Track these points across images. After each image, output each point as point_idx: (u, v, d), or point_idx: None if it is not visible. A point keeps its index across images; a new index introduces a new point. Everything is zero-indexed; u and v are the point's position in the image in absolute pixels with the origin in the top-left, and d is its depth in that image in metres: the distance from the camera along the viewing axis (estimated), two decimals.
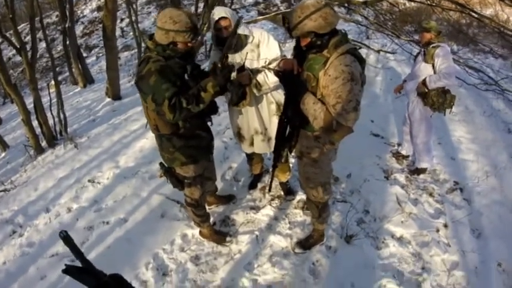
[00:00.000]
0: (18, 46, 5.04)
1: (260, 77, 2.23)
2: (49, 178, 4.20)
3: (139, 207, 3.14)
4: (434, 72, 2.99)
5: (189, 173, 2.22)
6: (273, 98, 2.39)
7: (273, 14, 7.92)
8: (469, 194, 3.27)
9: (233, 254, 2.52)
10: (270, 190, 2.34)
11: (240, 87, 2.15)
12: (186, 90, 1.84)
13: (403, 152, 3.66)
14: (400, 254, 2.55)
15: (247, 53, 2.16)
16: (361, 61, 1.75)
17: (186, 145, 2.10)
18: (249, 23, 9.16)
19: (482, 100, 5.82)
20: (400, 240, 2.68)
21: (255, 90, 2.26)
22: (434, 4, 6.12)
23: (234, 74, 1.98)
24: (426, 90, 3.03)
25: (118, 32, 12.62)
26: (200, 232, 2.65)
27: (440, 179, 3.47)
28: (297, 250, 2.49)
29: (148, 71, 1.80)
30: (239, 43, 2.18)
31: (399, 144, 3.77)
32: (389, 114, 4.68)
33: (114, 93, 6.62)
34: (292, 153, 2.15)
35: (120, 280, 0.87)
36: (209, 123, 2.29)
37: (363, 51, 7.29)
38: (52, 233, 3.19)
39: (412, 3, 8.21)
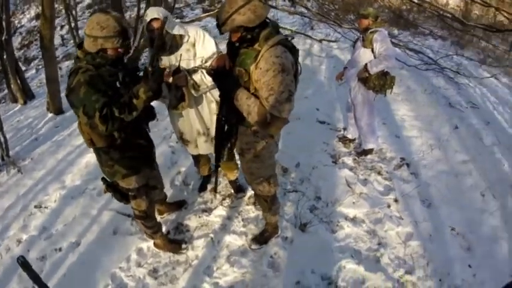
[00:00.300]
0: None
1: (197, 77, 2.21)
2: None
3: (91, 227, 3.01)
4: (374, 57, 3.10)
5: (132, 184, 2.14)
6: (213, 97, 2.37)
7: (216, 11, 7.89)
8: (416, 168, 3.48)
9: (191, 261, 2.50)
10: (215, 190, 2.34)
11: (178, 90, 2.14)
12: (118, 98, 1.77)
13: (349, 136, 3.81)
14: (355, 233, 2.65)
15: (181, 54, 2.13)
16: (293, 51, 1.77)
17: (125, 156, 2.03)
18: (193, 21, 9.04)
19: (423, 79, 6.20)
20: (354, 220, 2.79)
21: (193, 91, 2.23)
22: None
23: (170, 77, 1.94)
24: (367, 75, 3.13)
25: (58, 41, 11.94)
26: (154, 243, 2.59)
27: (387, 157, 3.65)
28: (254, 246, 2.51)
29: (78, 83, 1.72)
30: (174, 44, 2.15)
31: (345, 129, 3.92)
32: (334, 101, 4.85)
33: (56, 108, 6.25)
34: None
35: None
36: (148, 130, 2.24)
37: (308, 42, 7.48)
38: (5, 270, 2.97)
39: None
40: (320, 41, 7.09)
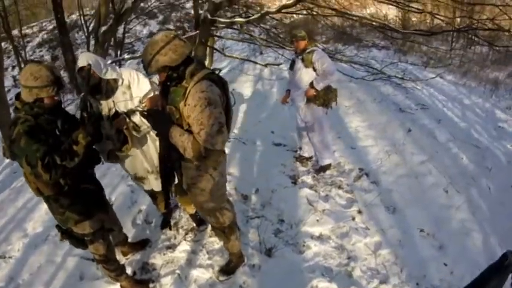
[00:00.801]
0: None
1: (136, 118, 2.24)
2: None
3: (57, 275, 2.92)
4: (317, 75, 3.28)
5: (86, 230, 2.14)
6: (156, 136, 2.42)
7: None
8: (376, 176, 3.57)
9: None
10: (170, 228, 2.34)
11: (120, 133, 2.18)
12: (59, 146, 1.82)
13: (305, 155, 3.93)
14: (323, 251, 2.65)
15: (113, 101, 2.18)
16: (221, 83, 1.86)
17: (75, 202, 2.04)
18: (115, 61, 9.04)
19: (372, 89, 6.52)
20: (320, 238, 2.79)
21: (134, 132, 2.27)
22: (316, 13, 6.76)
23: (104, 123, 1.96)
24: (315, 93, 3.30)
25: (10, 82, 11.58)
26: (121, 286, 2.54)
27: (345, 170, 3.75)
28: (221, 278, 2.49)
29: (18, 134, 1.76)
30: (109, 88, 2.18)
31: (300, 148, 4.03)
32: (288, 121, 4.90)
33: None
34: None
35: None
36: (94, 174, 2.26)
37: (258, 67, 7.74)
38: None
39: (300, 16, 8.95)
40: (266, 65, 7.40)
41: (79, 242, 2.20)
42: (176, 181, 2.25)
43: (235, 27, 7.35)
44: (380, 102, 5.83)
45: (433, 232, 2.79)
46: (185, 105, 1.75)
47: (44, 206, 3.90)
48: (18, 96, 1.88)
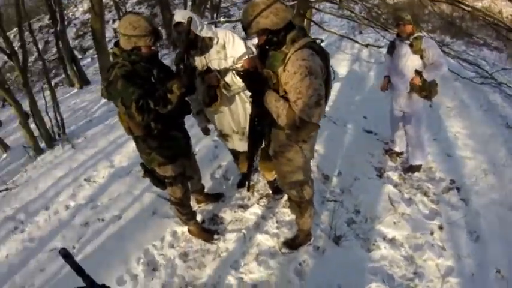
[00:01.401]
0: (8, 52, 5.12)
1: (228, 78, 2.26)
2: (48, 177, 4.30)
3: (132, 205, 3.20)
4: (424, 64, 2.97)
5: (168, 172, 2.25)
6: (246, 98, 2.39)
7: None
8: (467, 194, 3.17)
9: (220, 252, 2.54)
10: (248, 190, 2.33)
11: (210, 89, 2.20)
12: (154, 92, 1.88)
13: (397, 149, 3.62)
14: (391, 256, 2.48)
15: (205, 57, 2.21)
16: (322, 54, 1.74)
17: (162, 146, 2.13)
18: (238, 20, 9.04)
19: (478, 94, 5.72)
20: (392, 242, 2.61)
21: (224, 91, 2.28)
22: None
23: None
24: (420, 83, 2.99)
25: (110, 33, 12.66)
26: (189, 230, 2.68)
27: (435, 177, 3.39)
28: (284, 250, 2.48)
29: (115, 77, 1.85)
30: (204, 45, 2.21)
31: (392, 141, 3.72)
32: (382, 110, 4.52)
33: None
34: None
35: None
36: (184, 124, 2.33)
37: (356, 46, 7.25)
38: (51, 229, 3.30)
39: None
40: (366, 46, 6.85)
41: (160, 182, 2.32)
42: (262, 145, 2.21)
43: (335, 1, 6.91)
44: (486, 112, 5.11)
45: (509, 277, 2.41)
46: (284, 71, 1.68)
47: (132, 144, 4.23)
48: (116, 44, 1.97)
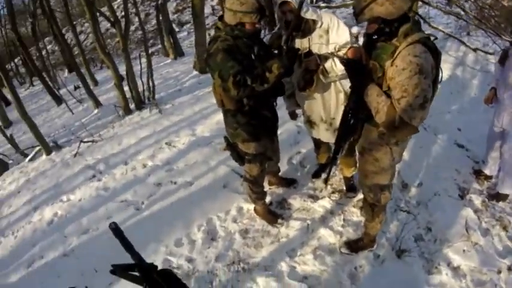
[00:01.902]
0: (112, 20, 5.65)
1: (327, 64, 2.17)
2: (132, 136, 4.74)
3: (206, 175, 3.37)
4: None
5: (250, 150, 2.29)
6: (342, 87, 2.31)
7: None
8: None
9: (280, 237, 2.56)
10: (326, 182, 2.28)
11: (307, 73, 2.15)
12: (252, 69, 1.90)
13: (487, 172, 3.24)
14: (450, 285, 2.27)
15: (310, 38, 2.13)
16: (435, 53, 1.58)
17: (249, 123, 2.17)
18: (339, 7, 8.74)
19: None
20: (456, 271, 2.39)
21: (321, 77, 2.20)
22: None
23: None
24: None
25: (209, 10, 13.25)
26: (255, 209, 2.74)
27: None
28: (344, 250, 2.41)
29: (216, 49, 1.90)
30: (307, 28, 2.14)
31: (483, 162, 3.36)
32: (480, 124, 4.03)
33: (201, 67, 7.01)
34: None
35: (169, 277, 0.84)
36: (275, 104, 2.33)
37: (461, 49, 6.57)
38: (126, 183, 3.64)
39: None
40: (475, 50, 6.14)
41: (239, 157, 2.37)
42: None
43: None
44: None
45: None
46: (392, 65, 1.56)
47: (216, 117, 4.51)
48: (221, 18, 2.01)
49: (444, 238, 2.60)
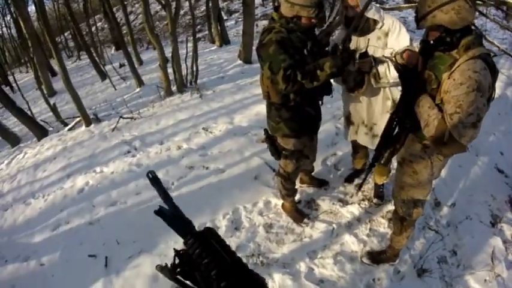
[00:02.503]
0: (163, 3, 5.81)
1: (381, 68, 2.10)
2: (170, 117, 4.87)
3: (239, 164, 3.42)
4: None
5: (288, 145, 2.30)
6: (391, 94, 2.27)
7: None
8: None
9: (304, 236, 2.58)
10: (359, 189, 2.27)
11: (359, 74, 2.11)
12: (303, 65, 1.88)
13: None
14: None
15: (369, 39, 2.08)
16: (494, 71, 1.53)
17: (293, 118, 2.16)
18: (392, 9, 8.42)
19: None
20: None
21: (372, 81, 2.16)
22: None
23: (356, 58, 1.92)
24: None
25: (259, 1, 13.26)
26: (282, 205, 2.76)
27: None
28: (365, 260, 2.40)
29: (269, 40, 1.89)
30: (366, 27, 2.09)
31: None
32: None
33: (246, 57, 7.05)
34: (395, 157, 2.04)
35: (212, 234, 0.76)
36: (320, 103, 2.32)
37: None
38: (159, 161, 3.77)
39: None
40: None
41: (276, 151, 2.39)
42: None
43: (503, 8, 5.91)
44: None
45: None
46: (449, 78, 1.51)
47: (256, 108, 4.55)
48: (277, 9, 1.99)
49: (468, 264, 2.54)
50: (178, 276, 0.70)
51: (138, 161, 3.88)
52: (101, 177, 3.80)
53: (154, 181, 0.78)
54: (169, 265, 0.71)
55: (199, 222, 2.77)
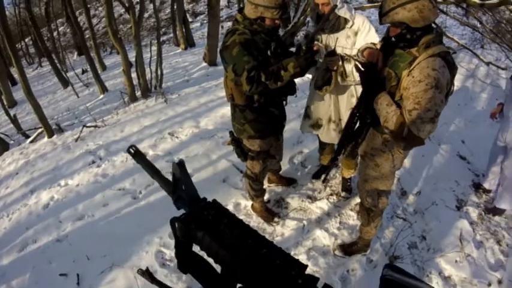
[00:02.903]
0: (127, 5, 5.64)
1: (348, 67, 2.13)
2: (135, 124, 4.73)
3: (206, 168, 3.37)
4: None
5: (254, 146, 2.28)
6: (355, 92, 2.29)
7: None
8: None
9: (275, 235, 2.57)
10: (324, 181, 2.27)
11: (327, 72, 2.11)
12: (267, 66, 1.88)
13: (486, 185, 3.24)
14: None
15: (337, 38, 2.09)
16: (452, 68, 1.57)
17: (257, 119, 2.15)
18: (355, 9, 8.60)
19: None
20: (446, 280, 2.42)
21: (339, 79, 2.18)
22: None
23: (322, 58, 1.91)
24: None
25: (224, 2, 13.19)
26: (252, 205, 2.75)
27: None
28: (337, 252, 2.43)
29: (233, 42, 1.87)
30: (336, 25, 2.09)
31: (484, 175, 3.37)
32: (485, 137, 4.03)
33: (211, 59, 6.98)
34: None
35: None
36: (284, 103, 2.32)
37: (474, 61, 6.54)
38: (125, 170, 3.62)
39: None
40: (488, 64, 6.11)
41: (242, 153, 2.37)
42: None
43: (463, 6, 6.21)
44: None
45: None
46: (408, 75, 1.54)
47: (222, 111, 4.50)
48: (241, 10, 1.98)
49: (438, 247, 2.63)
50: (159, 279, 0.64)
51: (104, 171, 3.74)
52: (66, 190, 3.63)
53: (137, 156, 0.69)
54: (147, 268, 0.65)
55: (169, 231, 2.69)
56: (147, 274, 0.63)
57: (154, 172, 0.69)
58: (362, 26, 2.11)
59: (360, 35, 2.11)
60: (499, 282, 2.47)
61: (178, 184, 0.66)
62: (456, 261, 2.55)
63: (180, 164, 0.65)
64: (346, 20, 2.09)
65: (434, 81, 1.46)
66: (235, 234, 0.54)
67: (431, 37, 1.54)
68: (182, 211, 0.62)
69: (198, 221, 0.58)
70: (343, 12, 2.04)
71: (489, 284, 2.45)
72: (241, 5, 9.13)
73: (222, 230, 0.55)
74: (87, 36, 11.30)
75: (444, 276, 2.45)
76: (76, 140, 4.82)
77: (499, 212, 3.02)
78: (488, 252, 2.71)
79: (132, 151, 0.69)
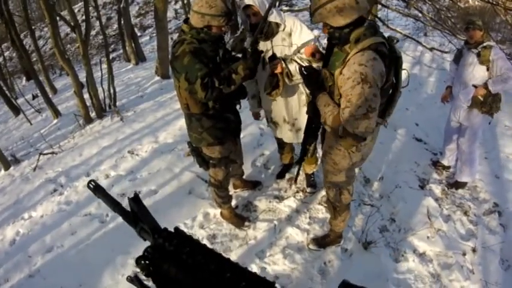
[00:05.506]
0: (72, 24, 5.42)
1: (291, 67, 2.19)
2: (94, 146, 4.53)
3: (170, 182, 3.30)
4: (490, 75, 2.77)
5: (214, 153, 2.27)
6: (304, 89, 2.35)
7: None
8: (507, 220, 2.95)
9: (248, 239, 2.55)
10: (295, 182, 2.30)
11: (273, 76, 2.16)
12: (218, 72, 1.91)
13: (444, 162, 3.42)
14: (418, 271, 2.39)
15: (271, 41, 2.17)
16: (390, 58, 1.54)
17: (214, 126, 2.15)
18: (301, 10, 8.85)
19: None
20: (422, 256, 2.52)
21: (286, 80, 2.22)
22: (499, 4, 5.48)
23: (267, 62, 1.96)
24: (483, 96, 2.79)
25: (172, 14, 13.07)
26: (221, 213, 2.72)
27: (479, 197, 3.18)
28: (312, 246, 2.44)
29: (183, 52, 1.87)
30: (270, 31, 2.16)
31: (441, 153, 3.53)
32: (437, 119, 4.33)
33: (163, 72, 6.88)
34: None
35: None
36: (238, 107, 2.34)
37: (419, 49, 6.90)
38: (88, 195, 3.44)
39: (476, 2, 7.55)
40: (431, 49, 6.48)
41: (204, 162, 2.35)
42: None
43: None
44: None
45: None
46: (340, 73, 1.53)
47: (179, 123, 4.42)
48: (186, 21, 1.99)
49: (408, 227, 2.72)
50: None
51: (67, 199, 3.55)
52: (31, 223, 3.42)
53: (98, 190, 0.69)
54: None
55: (142, 250, 2.58)
56: (136, 280, 0.63)
57: (115, 206, 0.69)
58: (293, 26, 2.18)
59: (293, 34, 2.18)
60: (474, 250, 2.59)
61: (139, 217, 0.66)
62: (428, 237, 2.65)
63: (135, 199, 0.65)
64: (278, 25, 2.15)
65: (361, 77, 1.43)
66: (197, 262, 0.54)
67: (361, 31, 1.50)
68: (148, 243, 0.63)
69: (161, 254, 0.58)
70: (273, 17, 2.10)
71: (464, 254, 2.57)
72: (188, 15, 9.09)
73: (184, 259, 0.55)
74: (34, 59, 10.77)
75: (419, 253, 2.53)
76: (34, 169, 4.53)
77: (461, 185, 3.19)
78: (457, 224, 2.84)
79: (92, 186, 0.70)
